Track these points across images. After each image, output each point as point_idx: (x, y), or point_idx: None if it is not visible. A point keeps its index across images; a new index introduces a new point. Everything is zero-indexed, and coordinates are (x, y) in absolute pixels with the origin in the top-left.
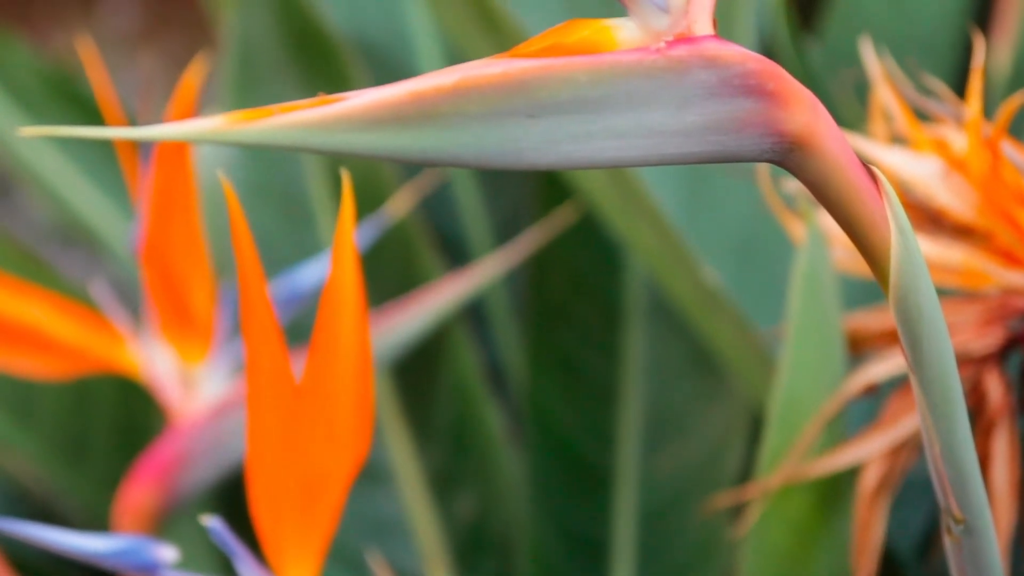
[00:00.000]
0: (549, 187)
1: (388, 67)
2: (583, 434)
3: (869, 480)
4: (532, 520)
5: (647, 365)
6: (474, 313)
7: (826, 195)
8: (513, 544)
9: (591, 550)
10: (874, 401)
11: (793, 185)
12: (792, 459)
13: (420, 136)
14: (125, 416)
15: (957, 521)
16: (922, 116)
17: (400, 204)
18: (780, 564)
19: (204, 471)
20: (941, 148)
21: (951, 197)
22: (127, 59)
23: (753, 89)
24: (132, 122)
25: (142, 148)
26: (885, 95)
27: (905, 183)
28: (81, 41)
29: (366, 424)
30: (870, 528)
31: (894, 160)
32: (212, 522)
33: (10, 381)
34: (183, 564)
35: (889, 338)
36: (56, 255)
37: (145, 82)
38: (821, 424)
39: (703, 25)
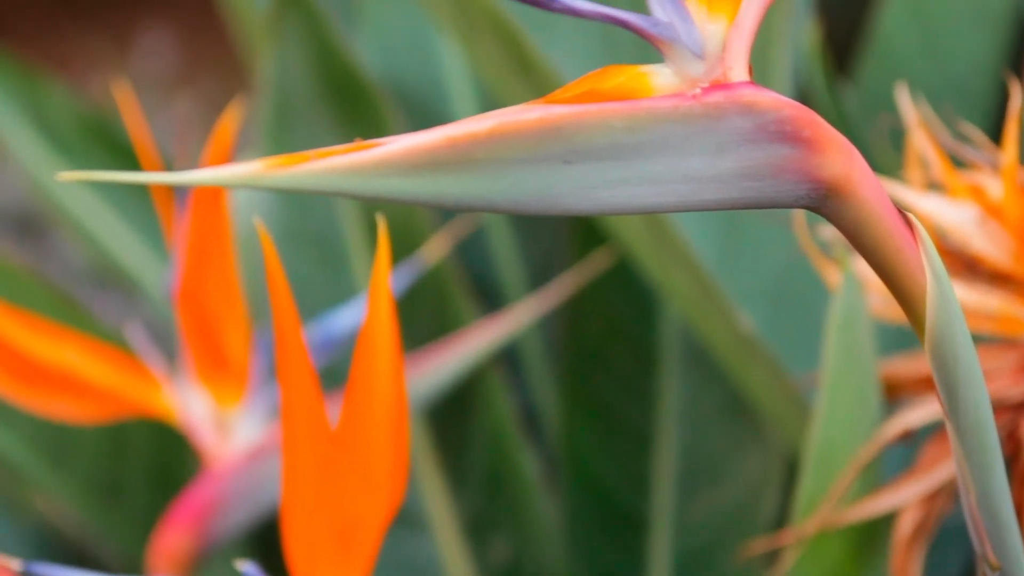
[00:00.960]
0: (584, 232)
1: (423, 112)
2: (618, 479)
3: (905, 527)
4: (567, 565)
5: (682, 410)
6: (509, 358)
7: (862, 241)
8: None
9: None
10: (910, 447)
11: (829, 231)
12: (827, 505)
13: (456, 182)
14: (160, 460)
15: (993, 568)
16: (958, 162)
17: (435, 249)
18: None
19: (239, 515)
20: (977, 194)
21: (987, 243)
22: (163, 102)
23: (789, 135)
24: (168, 165)
25: (178, 192)
26: (921, 141)
27: (941, 229)
28: (117, 85)
29: (401, 469)
30: (906, 575)
31: (930, 206)
32: (247, 567)
33: (46, 424)
34: None
35: (925, 384)
36: (91, 298)
37: (181, 125)
38: (856, 470)
39: (739, 71)
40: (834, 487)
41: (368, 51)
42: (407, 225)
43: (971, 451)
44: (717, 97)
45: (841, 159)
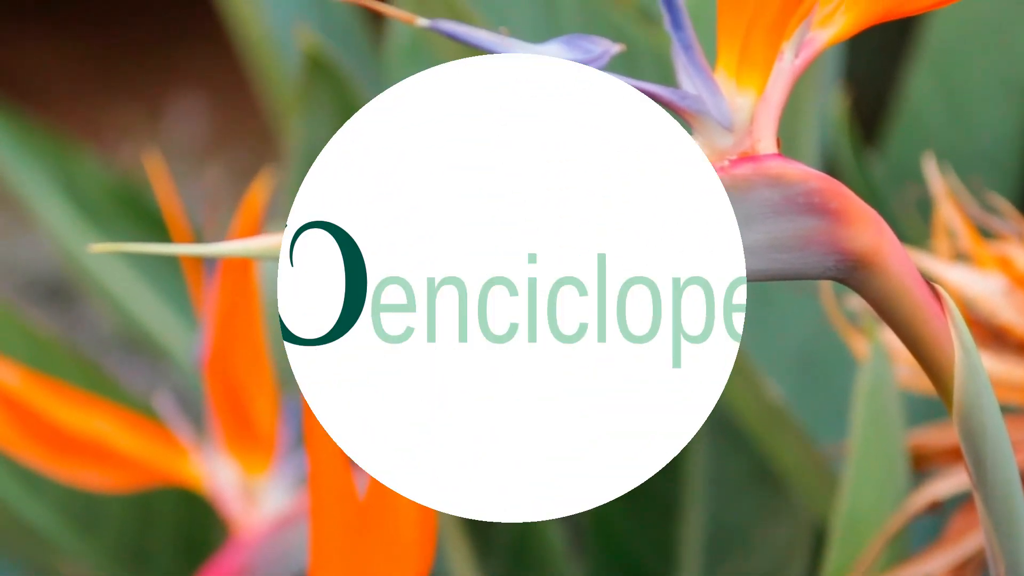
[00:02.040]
0: None
1: None
2: (645, 548)
3: None
4: None
5: (709, 478)
6: None
7: (889, 312)
8: None
9: None
10: (938, 518)
11: (856, 301)
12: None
13: None
14: (187, 528)
15: None
16: (985, 233)
17: None
18: None
19: None
20: (1005, 265)
21: (1015, 314)
22: (194, 170)
23: (817, 207)
24: (198, 234)
25: (207, 261)
26: (948, 211)
27: (969, 300)
28: (148, 154)
29: (429, 538)
30: None
31: (957, 277)
32: None
33: (74, 493)
34: None
35: (953, 455)
36: (120, 366)
37: (211, 193)
38: (884, 541)
39: (767, 144)
40: (862, 557)
41: None
42: None
43: (999, 522)
44: (745, 169)
45: (869, 230)
